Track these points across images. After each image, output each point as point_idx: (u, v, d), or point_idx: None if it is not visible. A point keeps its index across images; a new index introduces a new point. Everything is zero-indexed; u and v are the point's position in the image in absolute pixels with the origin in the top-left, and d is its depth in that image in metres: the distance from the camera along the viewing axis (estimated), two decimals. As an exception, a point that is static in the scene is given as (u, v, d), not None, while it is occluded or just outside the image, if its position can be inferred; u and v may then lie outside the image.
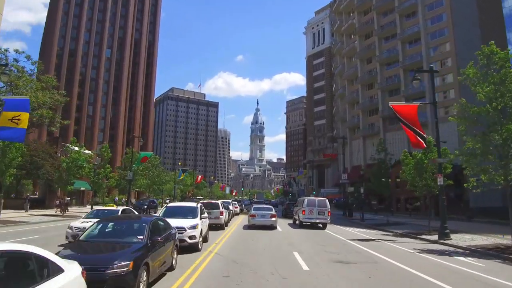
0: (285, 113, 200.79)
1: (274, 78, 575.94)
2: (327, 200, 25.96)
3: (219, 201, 21.59)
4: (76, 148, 37.73)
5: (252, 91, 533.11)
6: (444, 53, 57.70)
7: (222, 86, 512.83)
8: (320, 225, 24.72)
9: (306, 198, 27.04)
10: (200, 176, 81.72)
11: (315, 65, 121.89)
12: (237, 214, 38.78)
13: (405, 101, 61.79)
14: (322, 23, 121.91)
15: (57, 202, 40.36)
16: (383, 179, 31.96)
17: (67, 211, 34.28)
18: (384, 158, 30.92)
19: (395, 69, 63.77)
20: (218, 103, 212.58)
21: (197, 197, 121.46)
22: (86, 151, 41.44)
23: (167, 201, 58.36)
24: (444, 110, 57.09)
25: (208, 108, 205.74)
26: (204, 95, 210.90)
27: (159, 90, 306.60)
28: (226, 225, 23.22)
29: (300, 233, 21.16)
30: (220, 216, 20.40)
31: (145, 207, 37.40)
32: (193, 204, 15.07)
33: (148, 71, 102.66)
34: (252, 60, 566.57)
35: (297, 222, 26.27)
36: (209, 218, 18.15)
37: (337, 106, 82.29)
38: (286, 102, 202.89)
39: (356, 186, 45.33)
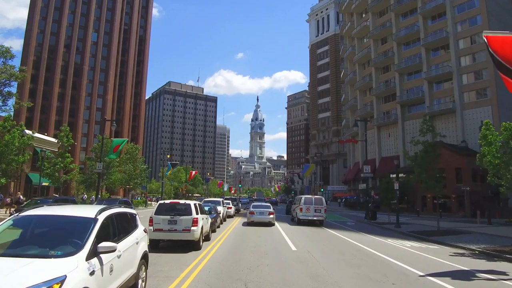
0: (286, 108, 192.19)
1: (274, 76, 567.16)
2: (323, 198, 27.11)
3: (192, 202, 12.95)
4: (28, 132, 29.31)
5: (252, 89, 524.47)
6: (475, 28, 48.91)
7: (222, 83, 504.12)
8: (317, 222, 24.79)
9: (303, 196, 27.17)
10: (193, 172, 73.18)
11: (319, 54, 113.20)
12: (231, 216, 30.09)
13: (428, 84, 53.15)
14: (327, 9, 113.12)
15: (8, 200, 32.06)
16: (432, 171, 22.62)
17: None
18: (433, 141, 22.41)
19: (415, 48, 55.02)
20: (216, 97, 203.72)
21: (195, 194, 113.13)
22: (39, 135, 33.26)
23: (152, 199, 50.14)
24: (476, 93, 48.39)
25: (206, 103, 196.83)
26: (202, 89, 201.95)
27: (157, 86, 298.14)
28: (208, 239, 14.57)
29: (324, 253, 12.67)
30: (193, 228, 11.82)
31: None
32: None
33: (139, 58, 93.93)
34: (253, 58, 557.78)
35: (295, 219, 26.42)
36: (170, 231, 11.96)
37: (346, 94, 73.39)
38: (287, 96, 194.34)
39: (381, 180, 36.46)
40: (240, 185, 63.14)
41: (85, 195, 38.56)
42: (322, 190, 55.77)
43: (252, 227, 21.79)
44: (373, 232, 21.51)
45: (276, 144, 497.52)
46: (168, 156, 52.84)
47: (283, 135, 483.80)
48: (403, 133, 54.51)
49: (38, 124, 72.20)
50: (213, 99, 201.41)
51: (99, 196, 32.91)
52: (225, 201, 30.58)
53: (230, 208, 29.36)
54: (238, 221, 27.22)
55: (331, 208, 54.02)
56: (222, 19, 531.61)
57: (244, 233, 18.71)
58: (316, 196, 27.99)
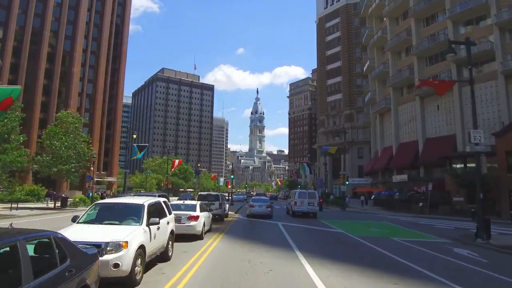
0: (287, 97, 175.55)
1: (275, 71, 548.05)
2: (316, 192, 31.09)
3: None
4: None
5: (252, 85, 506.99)
6: None
7: (222, 79, 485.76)
8: (311, 215, 25.91)
9: (298, 191, 29.29)
10: (177, 161, 56.92)
11: (328, 29, 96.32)
12: (199, 236, 13.54)
13: (499, 32, 36.75)
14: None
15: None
16: None
17: None
18: None
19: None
20: (213, 86, 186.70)
21: (187, 189, 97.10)
22: None
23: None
24: None
25: (202, 91, 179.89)
26: (198, 77, 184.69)
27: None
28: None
29: None
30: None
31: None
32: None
33: (116, 52, 77.13)
34: (253, 53, 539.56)
35: (290, 212, 27.94)
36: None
37: (371, 60, 55.68)
38: (289, 84, 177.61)
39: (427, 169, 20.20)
40: (232, 176, 45.52)
41: None
42: (348, 182, 39.29)
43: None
44: None
45: (276, 139, 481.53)
46: (135, 136, 36.91)
47: (284, 130, 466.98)
48: (460, 102, 37.98)
49: None
50: (210, 88, 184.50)
51: None
52: (190, 202, 14.49)
53: (193, 218, 12.78)
54: (217, 243, 11.47)
55: (356, 209, 37.70)
56: (223, 14, 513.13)
57: None
58: (310, 191, 30.55)
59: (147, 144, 40.81)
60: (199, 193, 26.44)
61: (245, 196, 67.74)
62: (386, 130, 49.48)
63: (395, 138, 45.53)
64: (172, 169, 58.03)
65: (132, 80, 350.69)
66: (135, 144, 39.60)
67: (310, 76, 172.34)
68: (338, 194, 71.97)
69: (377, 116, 50.99)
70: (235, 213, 27.56)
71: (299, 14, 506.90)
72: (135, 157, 40.05)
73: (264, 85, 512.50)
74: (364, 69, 58.06)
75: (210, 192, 26.89)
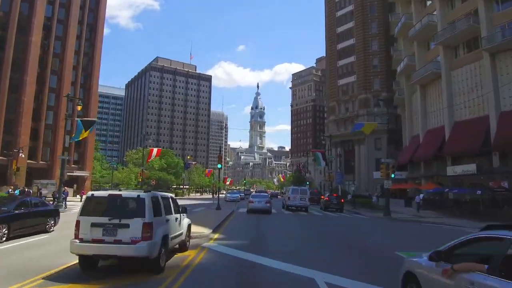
0: (290, 88, 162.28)
1: (275, 69, 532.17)
2: (307, 189, 33.73)
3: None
4: None
5: (253, 82, 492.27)
6: None
7: (222, 76, 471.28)
8: (303, 209, 27.70)
9: (291, 188, 32.06)
10: (156, 149, 43.79)
11: (339, 2, 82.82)
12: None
13: None
14: None
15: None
16: None
17: None
18: None
19: None
20: (211, 76, 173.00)
21: (182, 186, 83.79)
22: None
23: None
24: None
25: (199, 82, 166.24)
26: (195, 67, 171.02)
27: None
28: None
29: None
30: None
31: None
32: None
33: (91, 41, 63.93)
34: (254, 50, 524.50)
35: (284, 207, 29.75)
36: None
37: (407, 16, 41.51)
38: (292, 75, 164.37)
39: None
40: (220, 166, 29.68)
41: None
42: (393, 175, 25.80)
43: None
44: None
45: (277, 137, 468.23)
46: (79, 107, 24.64)
47: (284, 127, 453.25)
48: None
49: None
50: (207, 78, 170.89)
51: None
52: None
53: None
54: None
55: (403, 214, 24.70)
56: (223, 10, 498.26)
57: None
58: (302, 187, 33.26)
59: (95, 119, 27.56)
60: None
61: (242, 194, 54.22)
62: (431, 106, 36.20)
63: (448, 115, 32.25)
64: (149, 160, 44.88)
65: (129, 75, 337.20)
66: (78, 119, 26.38)
67: (314, 65, 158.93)
68: (349, 191, 58.87)
69: (417, 88, 37.71)
70: (213, 234, 13.93)
71: (300, 11, 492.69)
72: (81, 137, 26.94)
73: (264, 82, 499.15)
74: (396, 30, 44.15)
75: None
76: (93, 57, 64.30)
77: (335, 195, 34.78)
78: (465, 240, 4.17)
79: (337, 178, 38.43)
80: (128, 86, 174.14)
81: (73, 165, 59.43)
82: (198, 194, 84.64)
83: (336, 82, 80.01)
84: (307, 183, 61.10)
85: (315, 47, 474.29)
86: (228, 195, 43.60)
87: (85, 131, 26.58)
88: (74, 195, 45.66)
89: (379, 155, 69.86)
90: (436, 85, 35.38)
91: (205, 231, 13.57)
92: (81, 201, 44.94)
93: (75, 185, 51.10)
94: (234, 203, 33.02)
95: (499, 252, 3.41)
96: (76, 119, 27.16)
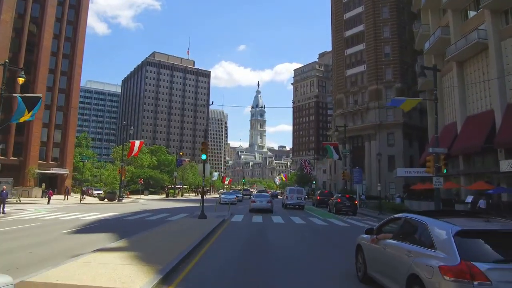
0: (292, 84, 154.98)
1: (276, 68, 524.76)
2: (303, 189, 35.83)
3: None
4: None
5: (253, 82, 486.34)
6: None
7: (223, 76, 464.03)
8: (300, 208, 29.99)
9: (289, 188, 35.06)
10: (138, 142, 36.92)
11: (346, -14, 76.07)
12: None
13: None
14: None
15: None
16: None
17: None
18: None
19: None
20: (209, 72, 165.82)
21: (178, 185, 76.51)
22: None
23: None
24: None
25: (197, 78, 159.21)
26: (193, 62, 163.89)
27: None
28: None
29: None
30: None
31: None
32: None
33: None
34: (254, 50, 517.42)
35: (283, 206, 31.74)
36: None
37: None
38: (293, 70, 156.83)
39: None
40: (204, 157, 21.71)
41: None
42: (445, 170, 18.65)
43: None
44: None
45: (277, 137, 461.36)
46: (21, 80, 18.53)
47: (284, 127, 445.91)
48: None
49: None
50: (206, 74, 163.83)
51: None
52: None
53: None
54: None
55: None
56: (224, 10, 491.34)
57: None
58: (298, 188, 36.66)
59: (40, 95, 20.51)
60: None
61: (240, 195, 46.98)
62: (471, 87, 29.16)
63: (499, 96, 25.21)
64: (131, 155, 37.88)
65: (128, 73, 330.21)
66: (18, 95, 19.44)
67: (317, 60, 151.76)
68: (361, 192, 51.76)
69: (453, 66, 30.67)
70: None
71: (301, 9, 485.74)
72: (22, 119, 20.01)
73: (265, 82, 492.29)
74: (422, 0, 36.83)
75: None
76: (75, 42, 57.34)
77: (347, 196, 28.24)
78: (386, 221, 6.85)
79: (355, 177, 31.48)
80: (125, 82, 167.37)
81: (51, 162, 52.65)
82: (194, 194, 77.84)
83: (343, 73, 72.99)
84: (313, 182, 53.88)
85: (316, 47, 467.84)
86: (223, 196, 36.60)
87: (28, 112, 19.74)
88: (43, 196, 38.65)
89: (391, 152, 62.99)
90: (479, 61, 28.38)
91: (139, 279, 6.01)
92: (65, 199, 36.76)
93: (43, 184, 44.06)
94: (228, 206, 25.84)
95: (398, 226, 6.16)
96: (16, 95, 20.10)
